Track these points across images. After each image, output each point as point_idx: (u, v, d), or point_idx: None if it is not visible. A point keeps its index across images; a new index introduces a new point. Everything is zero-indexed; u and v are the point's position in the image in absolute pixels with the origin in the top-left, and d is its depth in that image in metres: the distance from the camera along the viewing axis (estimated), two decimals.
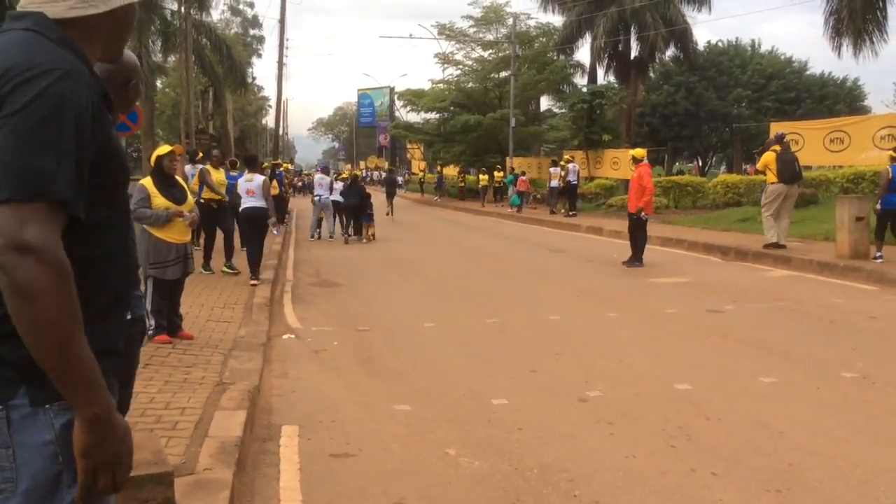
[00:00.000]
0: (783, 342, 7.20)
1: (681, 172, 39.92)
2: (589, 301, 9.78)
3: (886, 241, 11.82)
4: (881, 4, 22.56)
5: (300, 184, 36.18)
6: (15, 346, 1.45)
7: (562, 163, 27.67)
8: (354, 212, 19.31)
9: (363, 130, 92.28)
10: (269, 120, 67.83)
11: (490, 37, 39.97)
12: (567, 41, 36.34)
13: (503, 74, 37.79)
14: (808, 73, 50.19)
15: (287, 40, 39.64)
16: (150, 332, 6.73)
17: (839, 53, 25.42)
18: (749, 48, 51.60)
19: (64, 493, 1.56)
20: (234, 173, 13.60)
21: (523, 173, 29.86)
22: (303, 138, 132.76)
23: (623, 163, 28.52)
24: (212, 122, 45.62)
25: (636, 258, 12.83)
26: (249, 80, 46.36)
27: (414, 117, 46.50)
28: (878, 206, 11.62)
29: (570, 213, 24.64)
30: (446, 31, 40.69)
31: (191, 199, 7.29)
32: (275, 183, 19.75)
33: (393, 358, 6.91)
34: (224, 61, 33.02)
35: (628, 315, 8.71)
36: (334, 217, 19.88)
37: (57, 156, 1.44)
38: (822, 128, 20.98)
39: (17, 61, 1.49)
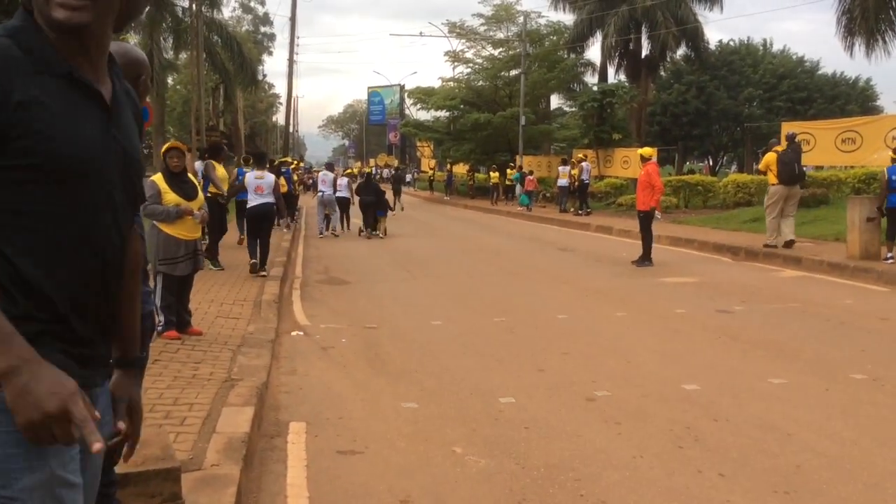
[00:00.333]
0: (792, 343, 7.17)
1: (691, 172, 39.81)
2: (597, 300, 9.77)
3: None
4: (894, 4, 22.45)
5: (310, 181, 36.20)
6: None
7: (573, 161, 27.65)
8: (371, 208, 19.72)
9: (373, 128, 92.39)
10: (279, 117, 67.96)
11: (500, 35, 39.96)
12: (577, 40, 36.30)
13: (513, 73, 37.77)
14: (819, 72, 49.94)
15: (298, 38, 39.75)
16: (160, 328, 6.76)
17: (851, 53, 25.36)
18: (761, 47, 51.36)
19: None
20: (247, 170, 13.69)
21: (531, 172, 29.82)
22: (313, 136, 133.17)
23: (633, 162, 28.44)
24: (222, 119, 45.72)
25: (646, 257, 12.81)
26: (260, 78, 46.50)
27: (424, 115, 46.60)
28: (881, 207, 11.64)
29: (583, 212, 24.54)
30: (457, 30, 40.69)
31: (201, 195, 7.32)
32: (283, 180, 19.91)
33: (400, 356, 6.92)
34: (235, 58, 33.12)
35: (637, 315, 8.69)
36: (338, 212, 20.19)
37: None
38: (834, 128, 20.90)
39: None
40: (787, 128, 20.70)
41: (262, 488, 3.99)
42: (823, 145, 20.24)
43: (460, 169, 44.09)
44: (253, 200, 11.45)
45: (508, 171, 34.23)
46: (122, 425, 1.79)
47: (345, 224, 20.90)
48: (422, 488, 3.97)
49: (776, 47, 52.33)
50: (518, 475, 4.11)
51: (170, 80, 39.23)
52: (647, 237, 12.92)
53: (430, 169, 56.70)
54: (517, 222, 24.66)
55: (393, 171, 39.55)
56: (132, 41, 26.22)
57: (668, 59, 38.48)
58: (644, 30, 34.66)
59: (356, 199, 20.23)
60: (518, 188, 29.98)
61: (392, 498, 3.86)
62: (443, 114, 42.40)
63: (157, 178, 6.92)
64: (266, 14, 58.57)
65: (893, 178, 11.46)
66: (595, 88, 33.94)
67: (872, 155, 19.23)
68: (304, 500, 3.85)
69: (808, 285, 10.72)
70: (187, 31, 28.37)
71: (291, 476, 4.12)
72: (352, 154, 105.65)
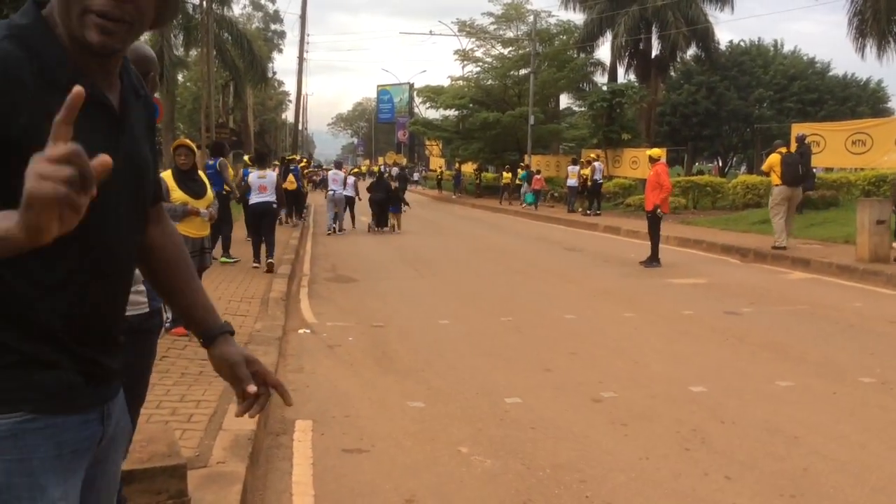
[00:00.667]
0: (800, 346, 7.14)
1: (700, 172, 39.67)
2: (605, 301, 9.75)
3: None
4: None
5: (318, 179, 36.27)
6: None
7: (582, 161, 27.61)
8: (381, 205, 20.26)
9: (382, 126, 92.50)
10: (288, 115, 68.11)
11: (510, 34, 39.92)
12: (588, 39, 36.23)
13: (523, 72, 37.71)
14: (830, 74, 49.70)
15: (308, 36, 39.78)
16: (168, 325, 6.76)
17: (863, 55, 25.32)
18: (771, 48, 51.15)
19: None
20: (252, 170, 13.71)
21: (538, 171, 29.77)
22: (322, 133, 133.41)
23: (642, 162, 28.35)
24: (232, 116, 45.81)
25: (654, 258, 12.79)
26: (270, 75, 46.54)
27: (433, 114, 46.56)
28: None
29: (592, 212, 24.48)
30: (466, 28, 40.66)
31: (210, 193, 7.32)
32: (291, 177, 20.18)
33: (407, 354, 6.92)
34: (245, 56, 33.17)
35: (644, 316, 8.67)
36: (345, 210, 20.57)
37: None
38: (844, 129, 20.78)
39: None
40: (798, 129, 20.60)
41: (268, 486, 4.00)
42: (833, 147, 20.14)
43: (468, 168, 44.06)
44: (255, 197, 11.82)
45: (520, 170, 34.08)
46: (251, 388, 1.73)
47: (352, 221, 21.13)
48: (427, 488, 3.97)
49: (787, 48, 52.14)
50: (524, 475, 4.11)
51: (180, 77, 39.33)
52: (654, 237, 12.90)
53: (438, 168, 56.70)
54: (525, 222, 24.64)
55: (398, 171, 39.95)
56: (142, 38, 26.26)
57: (679, 60, 38.33)
58: (654, 30, 34.55)
59: (362, 197, 20.63)
60: (525, 187, 29.97)
61: (398, 497, 3.86)
62: (452, 112, 42.38)
63: (167, 175, 6.94)
64: (276, 11, 58.66)
65: None
66: (605, 88, 33.84)
67: (883, 157, 19.13)
68: (309, 498, 3.86)
69: (817, 288, 10.68)
70: (198, 28, 28.42)
71: (297, 474, 4.12)
72: (360, 152, 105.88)
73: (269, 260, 11.68)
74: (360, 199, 21.14)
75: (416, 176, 63.82)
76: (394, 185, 22.40)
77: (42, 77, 1.37)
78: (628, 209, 24.66)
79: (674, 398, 5.50)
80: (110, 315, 1.58)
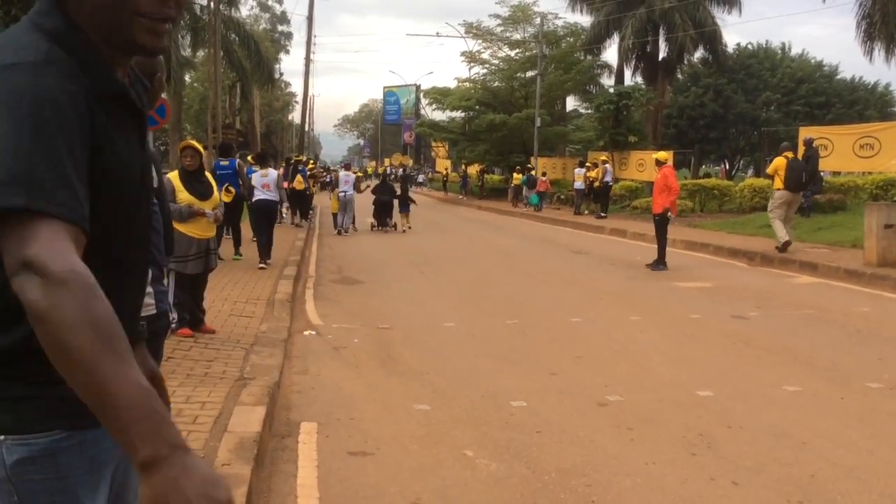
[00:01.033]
0: (808, 350, 7.11)
1: (707, 175, 39.60)
2: (611, 304, 9.72)
3: None
4: None
5: (326, 179, 36.30)
6: None
7: (588, 164, 27.59)
8: (385, 206, 20.94)
9: (388, 128, 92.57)
10: (295, 116, 68.21)
11: (517, 36, 39.87)
12: (594, 41, 36.18)
13: (529, 74, 37.67)
14: (838, 77, 49.55)
15: (315, 37, 39.89)
16: (173, 326, 6.77)
17: (871, 58, 25.24)
18: (779, 51, 51.03)
19: None
20: (255, 169, 14.15)
21: (544, 174, 29.76)
22: (328, 135, 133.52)
23: (648, 165, 28.29)
24: (239, 117, 45.88)
25: (661, 261, 12.77)
26: (277, 76, 46.57)
27: (439, 115, 46.57)
28: None
29: (605, 215, 24.42)
30: (473, 30, 40.64)
31: (216, 195, 7.32)
32: (299, 178, 20.46)
33: (413, 357, 6.90)
34: (252, 57, 33.20)
35: (650, 319, 8.65)
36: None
37: (38, 161, 1.21)
38: (852, 133, 20.72)
39: None
40: (805, 132, 20.54)
41: (273, 488, 3.99)
42: (841, 151, 20.07)
43: (473, 170, 44.07)
44: (258, 195, 12.46)
45: (518, 174, 33.93)
46: None
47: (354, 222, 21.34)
48: (432, 491, 3.96)
49: (795, 51, 52.02)
50: (529, 480, 4.09)
51: (187, 78, 39.34)
52: (661, 240, 12.88)
53: (444, 170, 56.74)
54: (530, 224, 24.62)
55: (402, 172, 40.70)
56: None
57: (686, 62, 38.24)
58: (661, 32, 34.47)
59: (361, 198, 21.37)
60: (525, 189, 30.17)
61: (402, 500, 3.84)
62: (458, 114, 42.37)
63: (173, 175, 6.94)
64: (284, 13, 58.64)
65: None
66: (611, 90, 33.77)
67: (891, 161, 19.06)
68: (314, 500, 3.85)
69: (824, 292, 10.64)
70: (205, 29, 28.48)
71: (302, 476, 4.11)
72: (367, 153, 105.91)
73: (268, 261, 12.19)
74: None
75: (421, 178, 63.91)
76: (397, 186, 22.96)
77: (93, 92, 1.34)
78: (635, 212, 24.62)
79: (680, 402, 5.48)
80: (133, 324, 1.56)
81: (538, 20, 37.49)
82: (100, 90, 1.35)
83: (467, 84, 42.18)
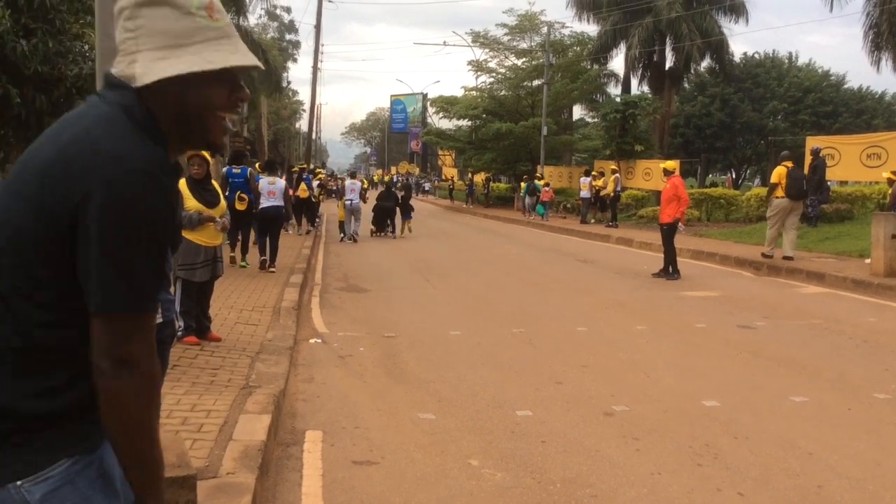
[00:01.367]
0: (814, 361, 7.08)
1: (714, 184, 39.55)
2: (617, 313, 9.71)
3: None
4: None
5: (334, 188, 36.36)
6: None
7: (594, 173, 27.60)
8: (388, 213, 21.91)
9: (395, 136, 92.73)
10: (302, 124, 68.41)
11: (524, 45, 39.94)
12: (601, 50, 36.24)
13: (536, 83, 37.70)
14: (845, 86, 49.55)
15: (322, 46, 39.98)
16: (179, 334, 6.78)
17: (878, 68, 25.24)
18: (786, 60, 51.07)
19: None
20: (262, 176, 14.23)
21: (547, 184, 29.84)
22: (335, 143, 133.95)
23: (655, 174, 28.28)
24: (246, 125, 45.98)
25: (674, 269, 12.76)
26: (284, 85, 46.70)
27: (446, 124, 46.61)
28: None
29: (613, 224, 24.35)
30: (480, 39, 40.70)
31: (223, 203, 7.34)
32: (303, 186, 20.61)
33: (418, 365, 6.90)
34: None
35: (657, 328, 8.63)
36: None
37: (149, 268, 1.44)
38: (859, 143, 20.65)
39: (101, 160, 1.39)
40: (812, 142, 20.50)
41: (278, 497, 3.99)
42: (848, 160, 20.01)
43: (480, 178, 44.10)
44: (264, 202, 12.76)
45: (522, 182, 33.80)
46: None
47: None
48: (437, 500, 3.95)
49: (802, 60, 52.09)
50: (534, 490, 4.08)
51: None
52: (670, 250, 12.86)
53: (449, 178, 56.82)
54: (536, 232, 24.60)
55: (404, 180, 41.71)
56: None
57: (693, 71, 38.30)
58: (668, 41, 34.51)
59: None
60: (527, 199, 30.34)
61: None
62: (465, 123, 42.42)
63: (181, 183, 6.95)
64: (292, 22, 58.84)
65: None
66: (618, 99, 33.80)
67: None
68: None
69: (831, 302, 10.60)
70: None
71: (307, 485, 4.11)
72: (373, 161, 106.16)
73: (271, 266, 12.56)
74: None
75: (427, 185, 64.05)
76: (400, 194, 23.63)
77: (174, 189, 1.53)
78: (641, 221, 24.60)
79: (686, 412, 5.46)
80: None
81: (545, 29, 37.55)
82: (170, 171, 1.51)
83: (474, 93, 42.24)
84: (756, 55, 51.10)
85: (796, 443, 4.82)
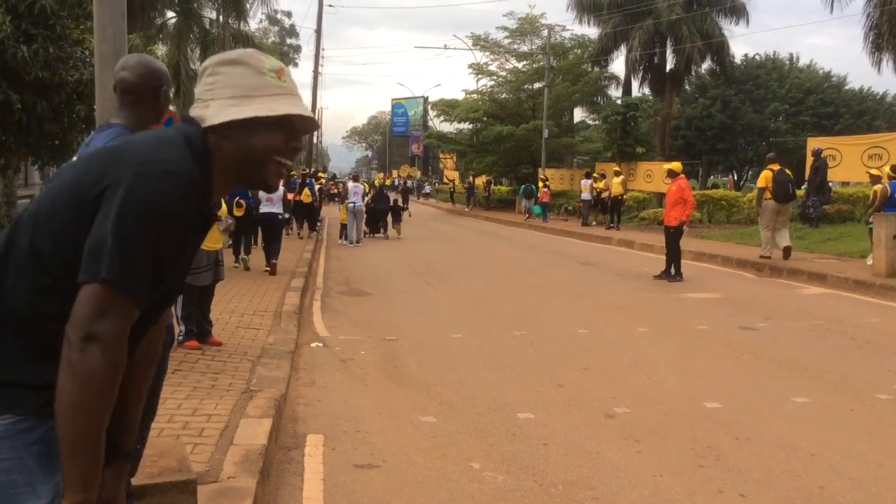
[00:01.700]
0: (816, 362, 7.07)
1: (715, 186, 39.52)
2: (618, 315, 9.70)
3: None
4: None
5: (336, 191, 36.35)
6: None
7: (595, 175, 27.60)
8: (382, 215, 22.63)
9: (396, 140, 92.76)
10: None
11: (525, 48, 39.96)
12: (602, 53, 36.24)
13: (537, 85, 37.71)
14: (846, 87, 49.49)
15: (323, 50, 40.02)
16: (181, 338, 6.80)
17: (879, 69, 25.21)
18: (787, 62, 51.01)
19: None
20: None
21: (546, 186, 30.01)
22: (337, 147, 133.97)
23: (656, 176, 28.27)
24: None
25: (677, 272, 12.75)
26: None
27: (447, 127, 46.59)
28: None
29: (615, 226, 24.30)
30: (481, 42, 40.74)
31: (224, 207, 7.34)
32: (306, 191, 20.71)
33: (419, 369, 6.90)
34: None
35: (658, 330, 8.62)
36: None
37: (143, 259, 1.53)
38: (861, 143, 20.64)
39: (146, 153, 1.60)
40: (814, 143, 20.51)
41: (279, 501, 3.99)
42: (850, 161, 20.00)
43: (481, 181, 44.14)
44: (263, 208, 13.33)
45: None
46: None
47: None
48: None
49: (802, 62, 51.97)
50: (536, 492, 4.07)
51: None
52: (676, 252, 12.86)
53: (450, 181, 56.88)
54: (538, 235, 24.60)
55: (402, 184, 44.32)
56: (160, 52, 26.54)
57: (693, 73, 38.25)
58: (669, 43, 34.50)
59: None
60: (524, 202, 31.21)
61: None
62: (466, 126, 42.44)
63: None
64: (292, 26, 59.09)
65: (895, 196, 12.82)
66: (619, 102, 33.78)
67: None
68: None
69: (833, 303, 10.59)
70: (214, 43, 28.64)
71: (308, 489, 4.11)
72: (375, 165, 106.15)
73: (273, 261, 12.93)
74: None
75: (428, 189, 64.14)
76: (394, 197, 24.78)
77: (197, 208, 1.65)
78: (643, 222, 24.59)
79: (688, 414, 5.45)
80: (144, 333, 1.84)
81: (546, 32, 37.60)
82: (201, 209, 1.68)
83: (475, 96, 42.25)
84: (757, 57, 51.07)
85: (798, 444, 4.81)
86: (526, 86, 38.99)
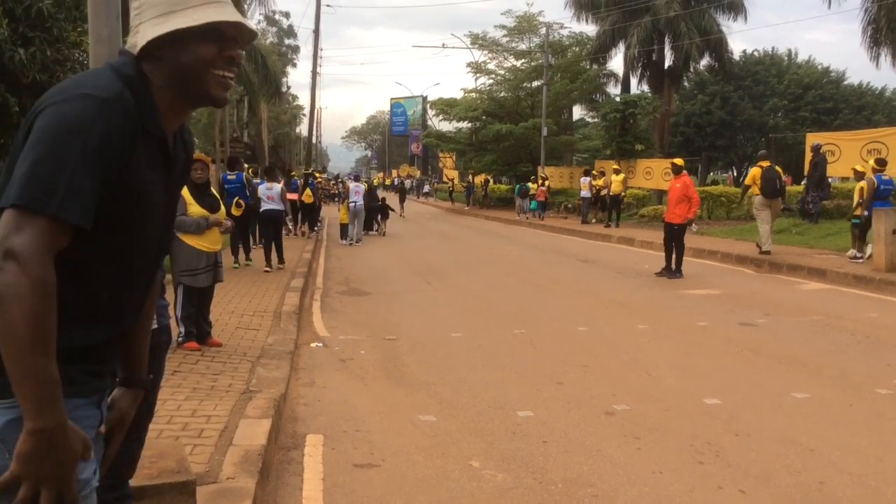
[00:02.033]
0: (816, 357, 7.07)
1: (715, 182, 39.49)
2: (618, 312, 9.70)
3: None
4: None
5: (336, 190, 36.34)
6: None
7: (595, 172, 27.60)
8: (373, 213, 23.50)
9: (395, 139, 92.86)
10: (303, 128, 68.38)
11: (523, 46, 39.95)
12: (600, 50, 36.22)
13: (535, 84, 37.72)
14: (845, 83, 49.46)
15: (321, 50, 39.99)
16: (180, 339, 6.80)
17: (877, 63, 25.21)
18: (785, 58, 50.99)
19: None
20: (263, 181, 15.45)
21: (543, 183, 30.23)
22: (336, 146, 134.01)
23: (656, 173, 28.27)
24: (246, 130, 46.05)
25: (677, 268, 12.74)
26: (284, 89, 46.74)
27: (446, 126, 46.64)
28: (866, 214, 13.05)
29: (614, 224, 24.28)
30: (479, 41, 40.75)
31: (223, 208, 7.34)
32: (308, 192, 20.82)
33: (419, 368, 6.90)
34: (259, 71, 33.32)
35: (658, 327, 8.62)
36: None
37: (67, 176, 1.48)
38: (860, 139, 20.62)
39: (66, 85, 1.60)
40: (813, 138, 20.49)
41: (278, 501, 3.99)
42: (849, 156, 19.96)
43: (479, 180, 44.17)
44: (264, 206, 13.74)
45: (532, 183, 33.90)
46: (102, 429, 1.80)
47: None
48: (439, 503, 3.94)
49: (801, 57, 52.00)
50: (536, 490, 4.07)
51: None
52: (681, 248, 12.87)
53: (449, 179, 56.90)
54: (537, 233, 24.59)
55: (398, 183, 45.72)
56: None
57: (692, 70, 38.23)
58: (667, 40, 34.46)
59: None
60: (519, 201, 31.78)
61: None
62: (465, 125, 42.46)
63: (183, 189, 6.94)
64: (290, 26, 58.93)
65: (882, 187, 13.13)
66: (617, 99, 33.76)
67: None
68: None
69: (833, 298, 10.59)
70: None
71: (307, 489, 4.10)
72: (374, 165, 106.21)
73: (280, 265, 13.60)
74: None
75: (427, 188, 64.18)
76: (381, 196, 25.78)
77: (143, 128, 1.62)
78: (642, 220, 24.57)
79: (688, 411, 5.45)
80: (134, 318, 1.83)
81: (543, 30, 37.58)
82: (147, 132, 1.64)
83: (474, 94, 42.27)
84: (755, 53, 51.08)
85: (798, 440, 4.81)
86: (524, 84, 38.99)
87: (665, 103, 33.68)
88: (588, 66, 37.36)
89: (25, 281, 1.41)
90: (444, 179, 61.74)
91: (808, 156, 18.86)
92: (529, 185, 31.75)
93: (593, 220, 26.07)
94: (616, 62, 53.78)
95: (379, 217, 24.09)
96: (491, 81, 41.41)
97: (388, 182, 51.91)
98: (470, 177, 46.54)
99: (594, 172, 27.94)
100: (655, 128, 34.04)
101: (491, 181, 44.57)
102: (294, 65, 61.72)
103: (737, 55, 42.61)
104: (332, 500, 3.98)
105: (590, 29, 38.91)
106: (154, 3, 1.68)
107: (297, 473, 4.34)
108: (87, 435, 1.56)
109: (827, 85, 48.01)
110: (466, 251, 18.79)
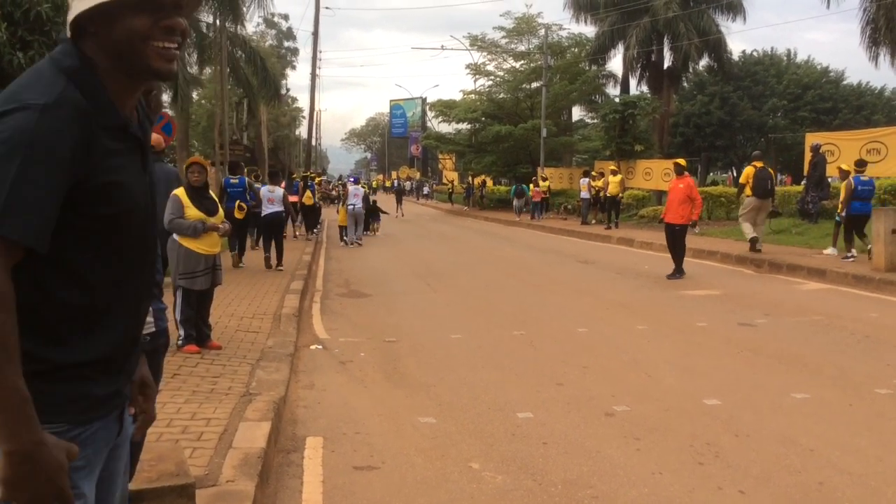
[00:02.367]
0: (815, 357, 7.07)
1: (714, 183, 39.50)
2: (618, 313, 9.70)
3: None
4: None
5: (335, 193, 36.33)
6: None
7: (594, 173, 27.60)
8: (367, 215, 23.64)
9: (395, 141, 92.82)
10: (302, 131, 68.40)
11: (522, 48, 39.97)
12: (599, 51, 36.24)
13: (535, 85, 37.74)
14: (844, 82, 49.50)
15: (320, 52, 39.99)
16: (179, 342, 6.80)
17: (876, 63, 25.21)
18: (785, 58, 51.04)
19: None
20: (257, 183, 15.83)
21: (544, 179, 30.50)
22: (336, 148, 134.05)
23: (655, 173, 28.28)
24: (246, 133, 46.10)
25: (679, 269, 12.72)
26: (283, 92, 46.76)
27: (445, 128, 46.68)
28: (844, 213, 13.57)
29: (613, 225, 24.25)
30: (478, 43, 40.77)
31: (221, 212, 7.34)
32: (308, 194, 20.95)
33: (419, 370, 6.89)
34: (258, 73, 33.34)
35: (658, 328, 8.62)
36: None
37: (11, 192, 1.41)
38: (859, 138, 20.63)
39: (4, 96, 1.51)
40: (812, 138, 20.50)
41: None
42: (848, 156, 19.92)
43: (478, 181, 44.20)
44: (266, 209, 14.07)
45: (542, 183, 33.75)
46: (132, 410, 1.81)
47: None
48: None
49: (800, 57, 52.05)
50: (535, 492, 4.07)
51: (194, 95, 39.56)
52: (682, 250, 12.86)
53: (448, 181, 56.93)
54: (537, 234, 24.59)
55: (396, 185, 46.04)
56: None
57: (691, 70, 38.25)
58: (666, 41, 34.47)
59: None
60: (515, 202, 32.17)
61: None
62: (464, 126, 42.50)
63: (180, 192, 6.95)
64: (290, 29, 59.03)
65: (860, 187, 13.52)
66: (617, 100, 33.77)
67: None
68: None
69: (832, 298, 10.59)
70: (212, 47, 28.63)
71: (307, 492, 4.10)
72: (374, 167, 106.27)
73: (280, 267, 13.88)
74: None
75: (426, 189, 64.25)
76: (373, 198, 26.37)
77: (98, 121, 1.53)
78: (642, 220, 24.57)
79: (687, 412, 5.45)
80: (138, 334, 1.79)
81: (542, 31, 37.60)
82: (103, 123, 1.55)
83: (473, 96, 42.28)
84: (754, 53, 51.16)
85: (797, 440, 4.81)
86: (524, 85, 39.01)
87: (664, 104, 33.69)
88: (587, 67, 37.38)
89: None
90: (444, 181, 61.77)
91: (808, 156, 18.85)
92: (525, 186, 32.10)
93: (593, 221, 26.06)
94: (615, 63, 53.76)
95: (370, 218, 24.52)
96: (490, 83, 41.47)
97: (387, 184, 52.01)
98: (469, 178, 46.56)
99: (593, 173, 27.94)
100: (655, 128, 34.04)
101: (488, 182, 44.61)
102: (293, 67, 61.84)
103: (736, 55, 42.70)
104: (332, 502, 3.98)
105: (589, 30, 39.04)
106: None
107: (296, 476, 4.34)
108: (73, 445, 1.52)
109: (826, 85, 48.06)
110: (466, 252, 18.79)
